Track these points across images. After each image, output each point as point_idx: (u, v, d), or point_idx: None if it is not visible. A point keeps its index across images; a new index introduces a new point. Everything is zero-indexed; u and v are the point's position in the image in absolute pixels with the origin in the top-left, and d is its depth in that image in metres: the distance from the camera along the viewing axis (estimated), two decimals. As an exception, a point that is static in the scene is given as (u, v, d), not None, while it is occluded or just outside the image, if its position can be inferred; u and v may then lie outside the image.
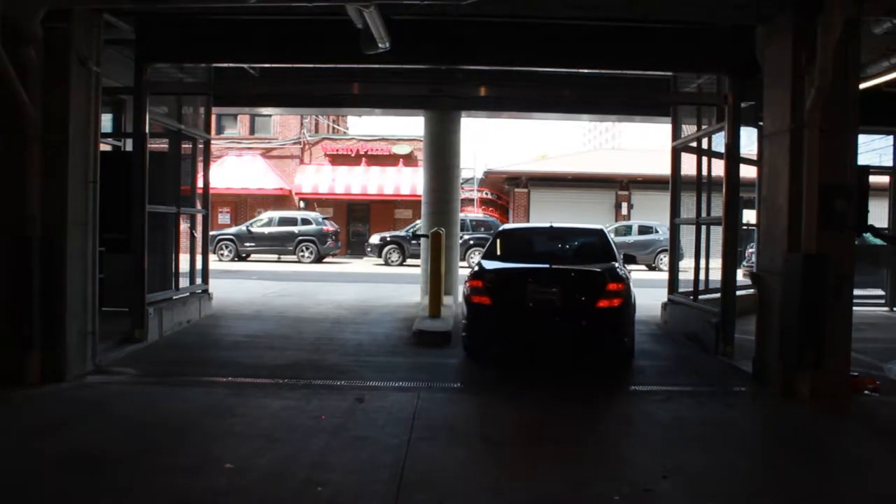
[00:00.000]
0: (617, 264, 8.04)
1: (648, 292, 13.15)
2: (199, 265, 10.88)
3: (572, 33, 7.88)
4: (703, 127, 9.58)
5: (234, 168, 29.68)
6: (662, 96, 10.22)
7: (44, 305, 6.46)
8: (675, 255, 10.96)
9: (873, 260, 12.62)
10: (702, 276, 9.80)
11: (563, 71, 9.08)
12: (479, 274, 7.84)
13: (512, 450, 5.01)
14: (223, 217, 29.26)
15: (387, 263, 24.67)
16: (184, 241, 10.63)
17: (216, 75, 10.00)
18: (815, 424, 5.94)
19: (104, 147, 8.33)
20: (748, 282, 8.42)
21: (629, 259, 9.02)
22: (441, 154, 12.77)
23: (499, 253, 8.53)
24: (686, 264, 10.83)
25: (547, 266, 7.79)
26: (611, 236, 9.28)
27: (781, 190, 6.68)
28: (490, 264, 8.10)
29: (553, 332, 7.50)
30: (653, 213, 25.91)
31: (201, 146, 10.86)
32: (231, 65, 8.96)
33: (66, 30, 6.58)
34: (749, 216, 12.06)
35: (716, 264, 8.95)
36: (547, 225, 9.54)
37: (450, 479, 4.47)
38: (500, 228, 10.45)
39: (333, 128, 32.38)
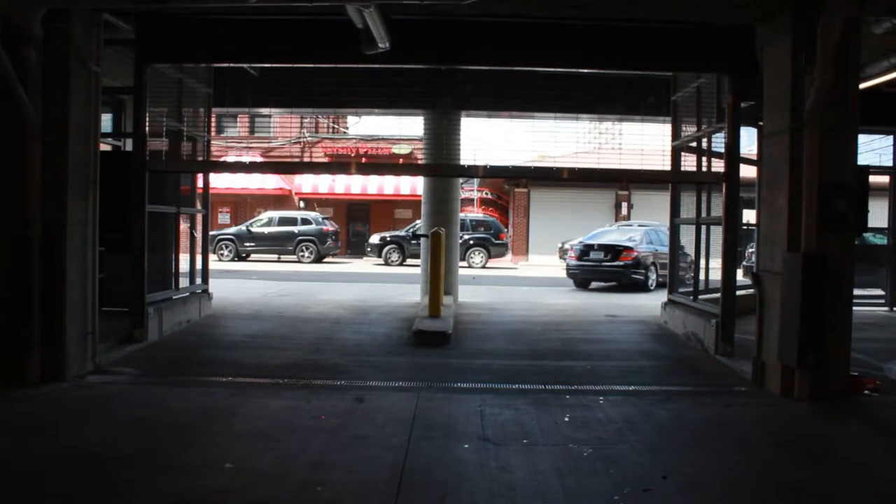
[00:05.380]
0: (633, 244, 16.48)
1: (648, 292, 13.18)
2: (199, 265, 10.88)
3: (572, 34, 7.90)
4: (703, 127, 9.58)
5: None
6: (665, 175, 10.71)
7: (44, 305, 6.46)
8: (675, 255, 10.96)
9: (873, 260, 12.62)
10: (702, 276, 9.81)
11: (562, 71, 9.10)
12: (575, 247, 17.35)
13: (511, 449, 5.00)
14: (223, 217, 29.27)
15: (387, 263, 24.66)
16: (184, 241, 10.63)
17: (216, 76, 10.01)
18: (814, 424, 5.94)
19: (104, 147, 8.34)
20: (748, 282, 8.42)
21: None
22: (441, 154, 12.75)
23: (583, 238, 18.04)
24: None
25: (599, 242, 16.96)
26: (641, 233, 17.22)
27: (781, 190, 6.68)
28: (576, 242, 17.91)
29: (600, 271, 16.68)
30: (653, 213, 25.88)
31: (201, 146, 10.85)
32: (231, 65, 8.98)
33: (66, 30, 6.59)
34: (749, 216, 12.05)
35: (716, 264, 8.97)
36: (606, 227, 18.93)
37: (450, 478, 4.47)
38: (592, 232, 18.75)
39: (333, 128, 32.32)
